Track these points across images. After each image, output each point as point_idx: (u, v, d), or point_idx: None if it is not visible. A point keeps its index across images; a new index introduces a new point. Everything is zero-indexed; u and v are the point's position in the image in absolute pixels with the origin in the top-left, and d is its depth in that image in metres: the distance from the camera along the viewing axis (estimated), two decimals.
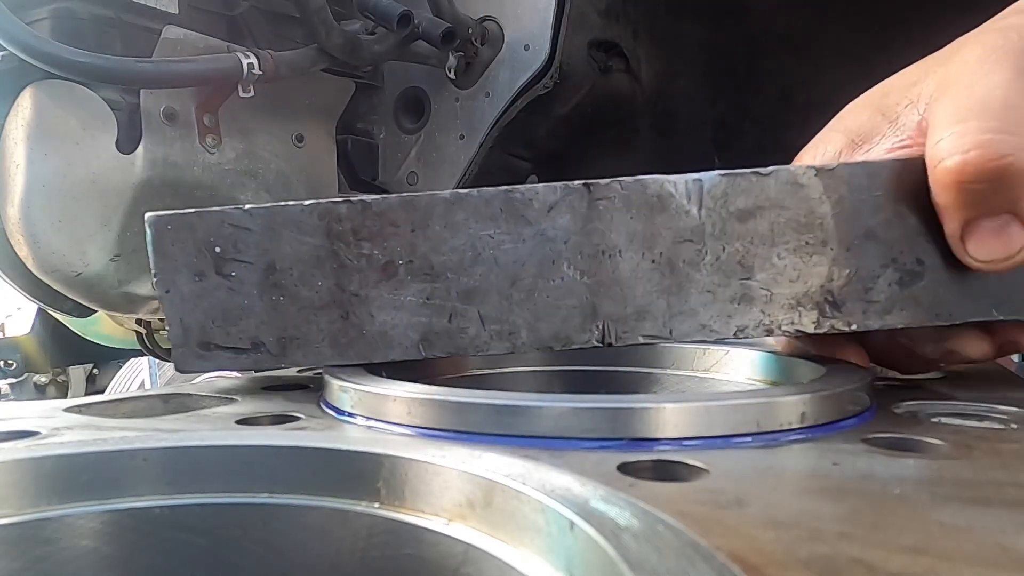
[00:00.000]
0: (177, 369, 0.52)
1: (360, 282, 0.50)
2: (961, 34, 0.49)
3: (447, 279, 0.49)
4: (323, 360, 0.51)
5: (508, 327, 0.49)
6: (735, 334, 0.49)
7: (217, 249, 0.50)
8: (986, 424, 0.45)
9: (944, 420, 0.45)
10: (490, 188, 0.49)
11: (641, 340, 0.49)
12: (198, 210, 0.50)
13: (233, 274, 0.50)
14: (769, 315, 0.48)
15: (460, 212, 0.49)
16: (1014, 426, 0.44)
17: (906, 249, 0.48)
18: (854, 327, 0.48)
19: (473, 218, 0.49)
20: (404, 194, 0.50)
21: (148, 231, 0.51)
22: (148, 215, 0.51)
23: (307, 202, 0.50)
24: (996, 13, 0.49)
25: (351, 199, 0.50)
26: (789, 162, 0.51)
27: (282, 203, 0.51)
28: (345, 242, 0.49)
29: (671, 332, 0.49)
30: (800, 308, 0.48)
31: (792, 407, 0.42)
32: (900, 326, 0.49)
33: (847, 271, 0.48)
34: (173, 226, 0.45)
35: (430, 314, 0.49)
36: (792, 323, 0.49)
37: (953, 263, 0.47)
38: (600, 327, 0.49)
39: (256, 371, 0.57)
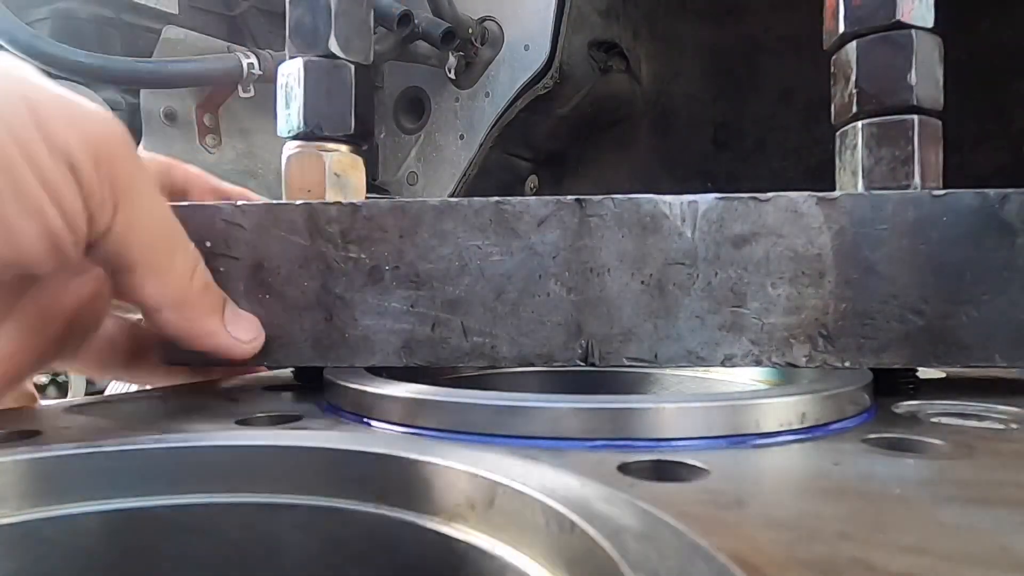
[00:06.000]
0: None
1: (346, 285, 0.50)
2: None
3: (432, 287, 0.49)
4: (304, 361, 0.51)
5: (490, 340, 0.49)
6: (722, 362, 0.48)
7: (208, 243, 0.50)
8: (986, 424, 0.45)
9: (944, 420, 0.45)
10: (481, 199, 0.49)
11: (625, 362, 0.48)
12: (192, 203, 0.51)
13: (221, 269, 0.50)
14: (759, 345, 0.47)
15: (449, 221, 0.49)
16: (1014, 426, 0.44)
17: (909, 286, 0.46)
18: (847, 364, 0.47)
19: (462, 227, 0.49)
20: (395, 199, 0.50)
21: None
22: None
23: (298, 202, 0.50)
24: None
25: (341, 201, 0.50)
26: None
27: (274, 201, 0.51)
28: (333, 244, 0.49)
29: (656, 356, 0.48)
30: (792, 340, 0.47)
31: (792, 407, 0.41)
32: (897, 365, 0.47)
33: (844, 305, 0.46)
34: None
35: (413, 322, 0.49)
36: (783, 355, 0.47)
37: (959, 305, 0.46)
38: (584, 346, 0.48)
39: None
